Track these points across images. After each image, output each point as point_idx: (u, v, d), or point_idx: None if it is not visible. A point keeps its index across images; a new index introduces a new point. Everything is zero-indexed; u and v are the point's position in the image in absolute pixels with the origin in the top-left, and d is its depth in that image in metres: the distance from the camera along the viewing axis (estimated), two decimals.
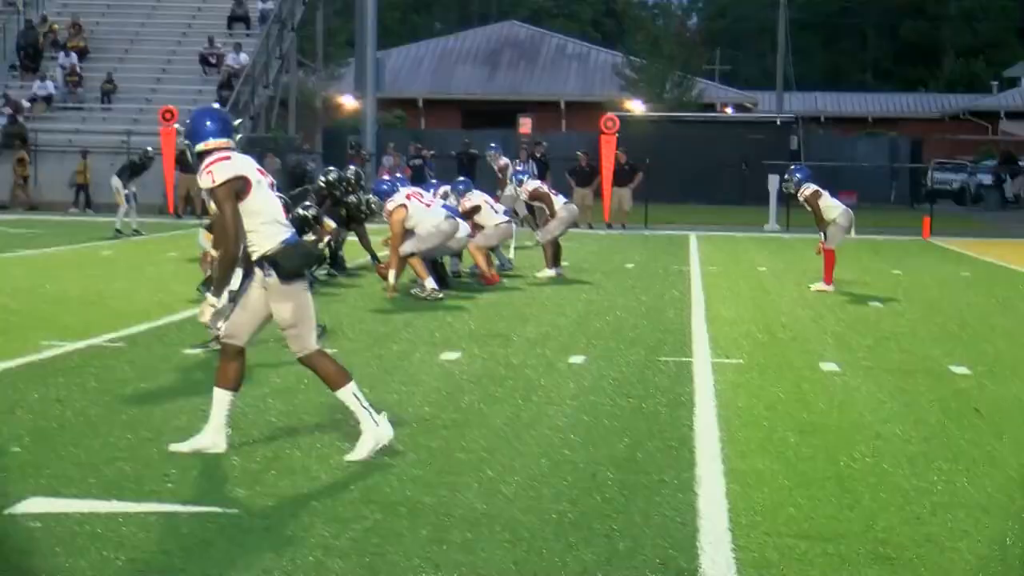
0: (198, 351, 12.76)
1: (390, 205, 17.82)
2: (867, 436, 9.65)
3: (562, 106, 63.71)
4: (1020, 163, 56.87)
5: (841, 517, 7.48)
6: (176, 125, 35.10)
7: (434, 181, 22.84)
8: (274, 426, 9.54)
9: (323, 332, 10.33)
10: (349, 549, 6.72)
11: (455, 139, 45.86)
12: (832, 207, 19.50)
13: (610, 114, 39.45)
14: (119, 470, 8.18)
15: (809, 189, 19.47)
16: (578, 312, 16.87)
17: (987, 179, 54.99)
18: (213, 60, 44.43)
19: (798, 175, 19.97)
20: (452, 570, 6.42)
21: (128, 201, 28.57)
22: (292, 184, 38.39)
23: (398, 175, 37.58)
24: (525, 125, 52.71)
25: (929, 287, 21.03)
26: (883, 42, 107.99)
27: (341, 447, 8.82)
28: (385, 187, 18.56)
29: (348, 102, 55.76)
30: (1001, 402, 11.13)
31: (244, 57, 44.00)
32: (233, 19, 46.78)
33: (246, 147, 37.73)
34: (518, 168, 23.33)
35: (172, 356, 12.75)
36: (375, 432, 8.49)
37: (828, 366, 12.83)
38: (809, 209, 19.69)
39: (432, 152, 41.57)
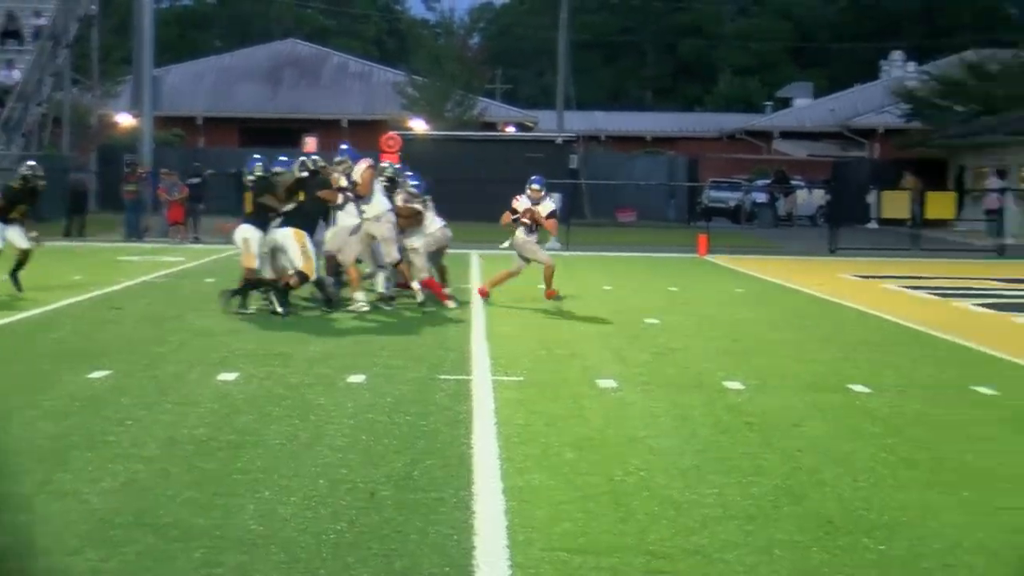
0: None
1: (363, 164, 19.26)
2: (641, 450, 9.80)
3: (344, 124, 63.46)
4: (792, 182, 58.28)
5: (615, 531, 7.59)
6: None
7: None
8: (44, 449, 9.36)
9: None
10: (119, 573, 6.63)
11: (234, 158, 45.32)
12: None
13: (391, 132, 39.43)
14: None
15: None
16: (359, 330, 16.81)
17: (761, 197, 56.20)
18: None
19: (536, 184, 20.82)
20: None
21: None
22: (73, 201, 37.73)
23: (176, 195, 37.14)
24: (310, 144, 52.29)
25: (704, 303, 21.42)
26: (662, 61, 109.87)
27: (113, 469, 8.71)
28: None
29: (125, 120, 54.87)
30: (770, 415, 11.40)
31: (16, 74, 43.17)
32: (5, 35, 45.87)
33: (18, 162, 36.88)
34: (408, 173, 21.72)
35: None
36: None
37: (605, 382, 12.98)
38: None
39: (211, 171, 40.93)
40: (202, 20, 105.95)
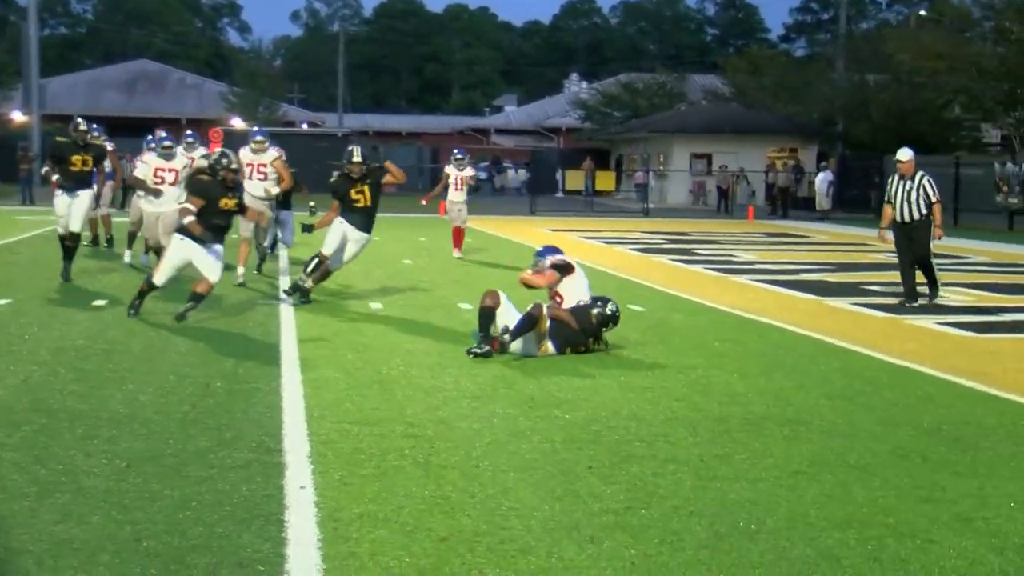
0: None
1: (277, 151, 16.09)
2: (401, 352, 9.82)
3: (183, 122, 61.60)
4: (504, 164, 58.97)
5: (382, 408, 7.60)
6: None
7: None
8: None
9: None
10: (20, 445, 6.40)
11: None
12: None
13: (217, 128, 38.51)
14: None
15: None
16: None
17: (483, 175, 56.58)
18: None
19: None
20: (100, 457, 6.20)
21: None
22: None
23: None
24: (157, 134, 50.69)
25: (445, 249, 21.42)
26: (412, 78, 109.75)
27: (15, 370, 8.37)
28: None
29: (17, 117, 52.56)
30: None
31: None
32: None
33: None
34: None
35: None
36: None
37: (375, 305, 12.98)
38: None
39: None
40: (76, 43, 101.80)
